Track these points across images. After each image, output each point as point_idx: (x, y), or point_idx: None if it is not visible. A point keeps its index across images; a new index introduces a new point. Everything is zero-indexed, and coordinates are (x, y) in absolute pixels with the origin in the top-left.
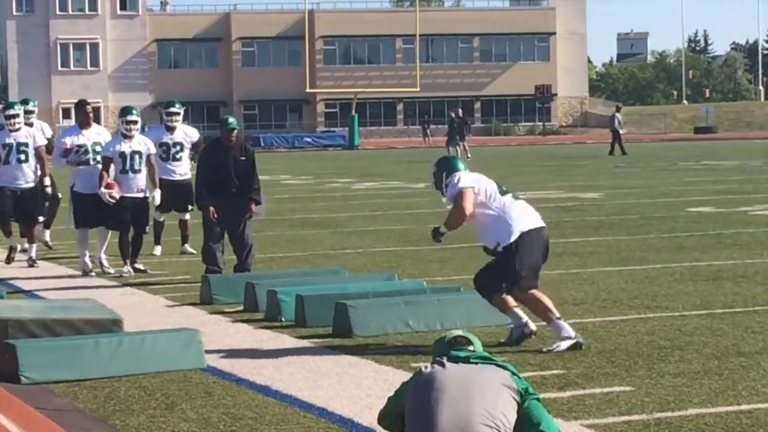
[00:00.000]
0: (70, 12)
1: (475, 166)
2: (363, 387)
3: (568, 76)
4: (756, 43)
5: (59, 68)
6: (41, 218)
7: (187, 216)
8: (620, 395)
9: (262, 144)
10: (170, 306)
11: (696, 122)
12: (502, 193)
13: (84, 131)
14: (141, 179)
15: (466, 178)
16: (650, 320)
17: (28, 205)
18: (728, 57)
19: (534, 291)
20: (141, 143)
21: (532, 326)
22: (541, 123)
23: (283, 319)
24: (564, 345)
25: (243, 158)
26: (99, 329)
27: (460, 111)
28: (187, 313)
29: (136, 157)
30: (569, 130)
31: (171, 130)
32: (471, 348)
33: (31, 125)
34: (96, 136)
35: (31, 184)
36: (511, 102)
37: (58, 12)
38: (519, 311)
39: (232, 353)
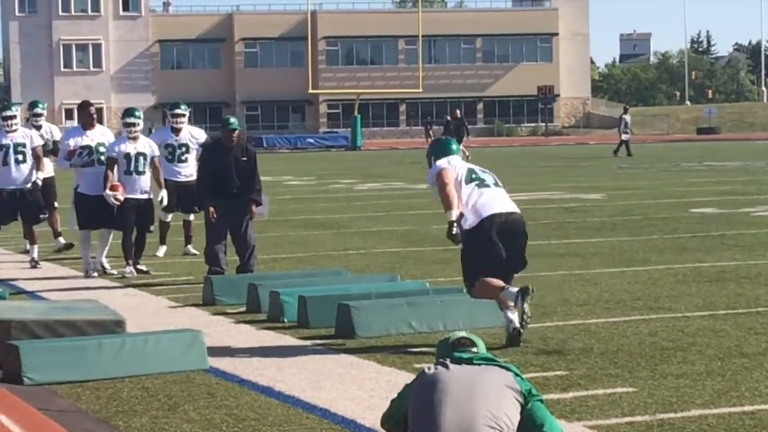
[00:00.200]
0: (73, 13)
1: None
2: (366, 388)
3: (571, 77)
4: (759, 43)
5: (62, 69)
6: (42, 216)
7: (192, 217)
8: (623, 396)
9: (265, 145)
10: (173, 307)
11: (699, 123)
12: (471, 180)
13: (88, 132)
14: (145, 181)
15: (440, 162)
16: (653, 321)
17: (27, 206)
18: (731, 58)
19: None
20: (146, 145)
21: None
22: (543, 124)
23: (285, 320)
24: (513, 316)
25: (244, 159)
26: (102, 330)
27: (458, 112)
28: (189, 314)
29: (141, 158)
30: (572, 131)
31: (176, 131)
32: (475, 349)
33: (39, 128)
34: (100, 136)
35: (29, 185)
36: (513, 103)
37: (60, 13)
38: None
39: (234, 354)
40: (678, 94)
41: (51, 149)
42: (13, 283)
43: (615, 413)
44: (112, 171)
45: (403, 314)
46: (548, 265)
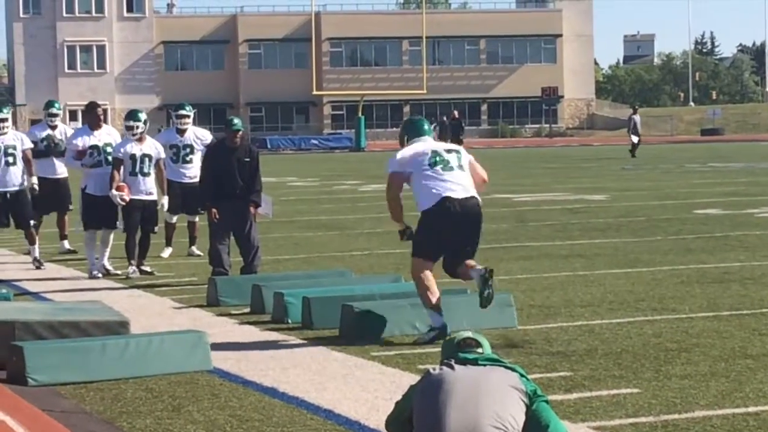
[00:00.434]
0: (77, 14)
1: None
2: (370, 389)
3: (575, 78)
4: (763, 44)
5: (66, 70)
6: (32, 221)
7: (196, 218)
8: (627, 397)
9: (269, 146)
10: (177, 308)
11: (703, 124)
12: (434, 163)
13: (95, 132)
14: (150, 182)
15: (393, 161)
16: (657, 322)
17: (17, 208)
18: (735, 59)
19: (427, 272)
20: (152, 147)
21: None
22: (547, 125)
23: (289, 321)
24: (429, 336)
25: (247, 159)
26: (106, 331)
27: (456, 113)
28: (193, 315)
29: (146, 160)
30: (576, 132)
31: (181, 132)
32: (480, 350)
33: (55, 127)
34: (107, 136)
35: (19, 187)
36: (517, 104)
37: (64, 14)
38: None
39: (238, 355)
40: (682, 95)
41: (63, 150)
42: (17, 284)
43: (619, 414)
44: (118, 172)
45: (407, 315)
46: (552, 266)
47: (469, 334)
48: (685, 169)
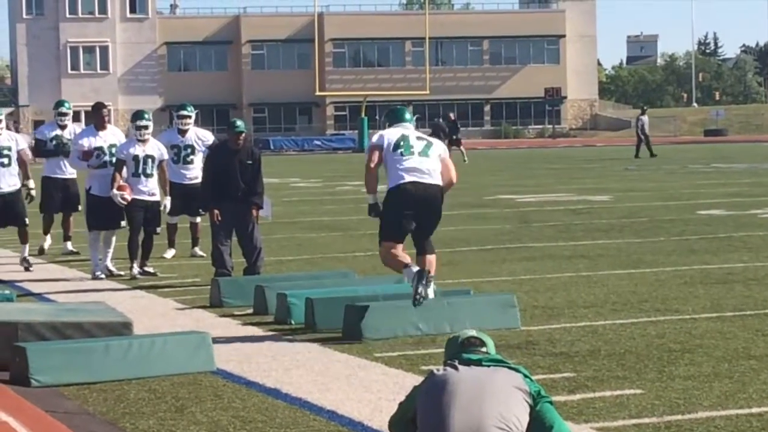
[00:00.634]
0: (80, 15)
1: (484, 169)
2: (373, 390)
3: (578, 79)
4: (766, 45)
5: (69, 71)
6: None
7: (198, 219)
8: (630, 398)
9: (272, 147)
10: (180, 309)
11: (706, 125)
12: (397, 147)
13: (100, 133)
14: (153, 183)
15: (376, 137)
16: (660, 323)
17: (12, 209)
18: (738, 59)
19: (394, 251)
20: (155, 148)
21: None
22: (550, 126)
23: (292, 322)
24: (426, 290)
25: (249, 162)
26: (109, 332)
27: (452, 115)
28: (196, 316)
29: (149, 161)
30: (579, 133)
31: (183, 133)
32: (484, 349)
33: (65, 127)
34: (112, 137)
35: (14, 188)
36: (520, 105)
37: (68, 15)
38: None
39: (241, 356)
40: (685, 95)
41: (70, 150)
42: (20, 284)
43: (622, 415)
44: (120, 172)
45: (411, 316)
46: (555, 266)
47: (473, 333)
48: (688, 170)
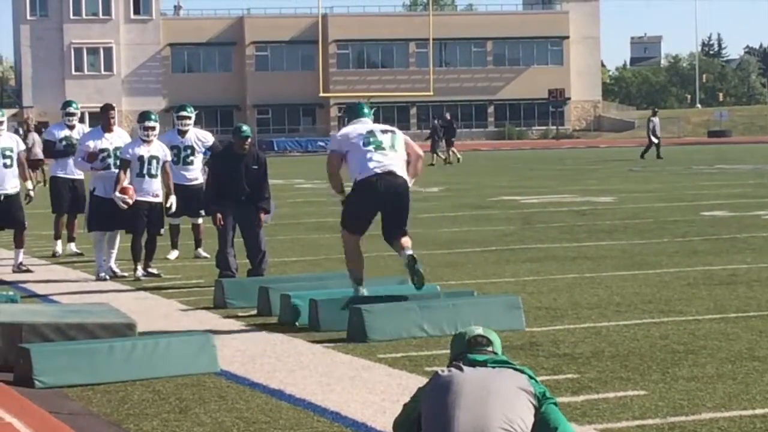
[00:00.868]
0: (84, 16)
1: (487, 170)
2: (377, 391)
3: (582, 80)
4: None
5: (73, 72)
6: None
7: (200, 220)
8: (634, 399)
9: (276, 148)
10: (184, 310)
11: (710, 126)
12: (368, 143)
13: (107, 135)
14: (156, 184)
15: (334, 139)
16: (664, 324)
17: (12, 211)
18: (742, 61)
19: (353, 245)
20: (159, 148)
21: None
22: (554, 127)
23: (296, 323)
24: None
25: (255, 167)
26: (113, 333)
27: (448, 115)
28: (200, 318)
29: (154, 161)
30: (582, 134)
31: (182, 133)
32: (490, 349)
33: (72, 127)
34: (118, 139)
35: (15, 190)
36: (524, 106)
37: (72, 16)
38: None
39: (245, 357)
40: (689, 97)
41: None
42: (24, 286)
43: (626, 416)
44: (125, 173)
45: (415, 317)
46: (559, 268)
47: (480, 331)
48: (692, 171)
